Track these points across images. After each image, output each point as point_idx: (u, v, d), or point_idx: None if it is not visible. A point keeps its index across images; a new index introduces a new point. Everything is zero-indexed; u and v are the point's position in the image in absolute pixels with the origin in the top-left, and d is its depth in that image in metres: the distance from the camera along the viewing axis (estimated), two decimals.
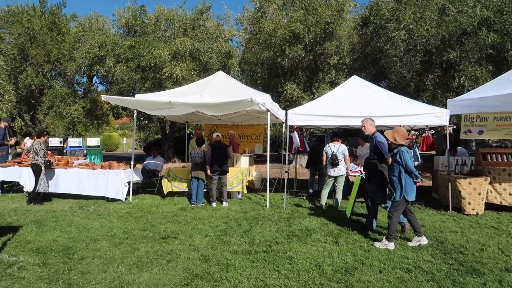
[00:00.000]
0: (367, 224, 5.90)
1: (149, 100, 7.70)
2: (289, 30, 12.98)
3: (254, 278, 3.91)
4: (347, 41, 14.13)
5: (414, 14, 12.05)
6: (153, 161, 10.01)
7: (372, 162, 5.62)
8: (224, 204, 7.82)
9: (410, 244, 5.10)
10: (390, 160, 5.34)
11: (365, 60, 15.55)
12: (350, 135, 15.67)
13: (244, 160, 8.84)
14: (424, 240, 5.12)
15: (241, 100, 6.57)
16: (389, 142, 5.27)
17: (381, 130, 6.36)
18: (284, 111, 8.21)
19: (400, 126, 8.99)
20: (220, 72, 9.34)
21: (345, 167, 7.68)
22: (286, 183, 7.99)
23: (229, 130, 10.62)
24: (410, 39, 11.97)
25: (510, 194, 7.26)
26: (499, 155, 7.67)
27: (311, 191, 9.41)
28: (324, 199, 7.71)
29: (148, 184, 10.16)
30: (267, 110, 7.27)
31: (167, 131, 19.65)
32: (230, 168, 8.19)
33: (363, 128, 5.79)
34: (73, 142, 13.91)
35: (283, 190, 8.62)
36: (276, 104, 8.24)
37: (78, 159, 10.12)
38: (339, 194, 7.68)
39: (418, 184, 5.04)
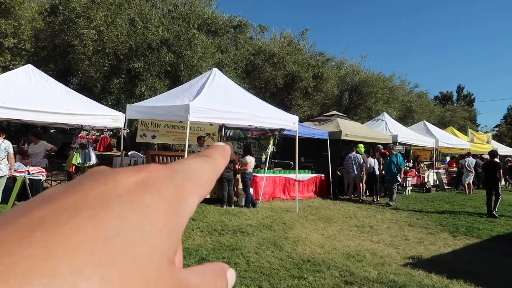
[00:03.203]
0: None
1: None
2: None
3: None
4: (30, 24, 12.51)
5: (106, 17, 12.23)
6: None
7: None
8: None
9: None
10: None
11: (53, 51, 14.27)
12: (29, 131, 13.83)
13: None
14: None
15: None
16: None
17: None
18: None
19: (82, 125, 8.82)
20: None
21: (8, 166, 6.64)
22: None
23: None
24: (100, 40, 12.04)
25: None
26: (165, 157, 8.94)
27: None
28: None
29: None
30: None
31: None
32: None
33: None
34: None
35: None
36: None
37: None
38: None
39: None
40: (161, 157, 8.82)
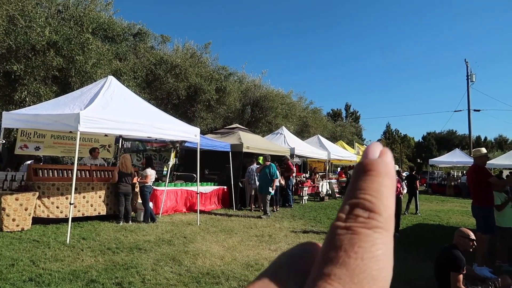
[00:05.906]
0: None
1: None
2: None
3: None
4: None
5: None
6: None
7: None
8: None
9: None
10: None
11: None
12: None
13: None
14: None
15: None
16: None
17: None
18: None
19: None
20: None
21: None
22: None
23: None
24: None
25: (57, 207, 7.70)
26: (50, 171, 7.99)
27: None
28: None
29: None
30: None
31: None
32: None
33: None
34: None
35: None
36: None
37: None
38: None
39: None
40: (45, 170, 7.86)
